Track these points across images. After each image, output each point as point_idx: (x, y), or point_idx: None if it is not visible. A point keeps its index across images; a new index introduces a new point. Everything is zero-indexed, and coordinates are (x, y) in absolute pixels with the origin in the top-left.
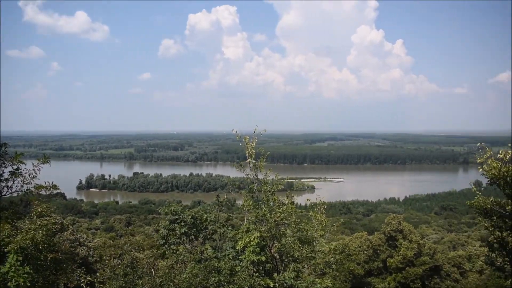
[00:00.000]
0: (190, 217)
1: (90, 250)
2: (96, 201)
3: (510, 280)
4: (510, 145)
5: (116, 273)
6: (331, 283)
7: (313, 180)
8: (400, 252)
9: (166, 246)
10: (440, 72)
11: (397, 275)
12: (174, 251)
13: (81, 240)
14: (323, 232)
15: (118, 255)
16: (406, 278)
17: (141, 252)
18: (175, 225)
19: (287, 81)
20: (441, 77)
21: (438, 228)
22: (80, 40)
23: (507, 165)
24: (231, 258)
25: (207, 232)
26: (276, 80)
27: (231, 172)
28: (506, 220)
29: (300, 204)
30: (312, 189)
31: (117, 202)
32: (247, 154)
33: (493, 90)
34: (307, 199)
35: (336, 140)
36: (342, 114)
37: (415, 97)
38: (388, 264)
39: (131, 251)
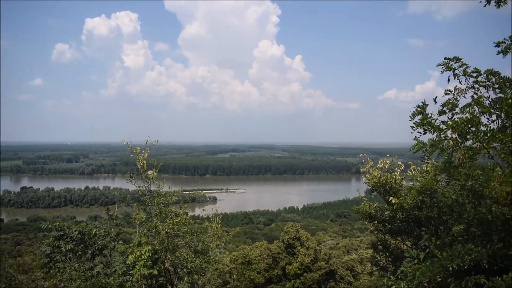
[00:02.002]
0: (77, 232)
1: None
2: None
3: (386, 278)
4: (388, 155)
5: None
6: None
7: (215, 191)
8: (298, 259)
9: (51, 264)
10: (335, 88)
11: (296, 281)
12: (59, 270)
13: None
14: (219, 242)
15: None
16: (304, 284)
17: (29, 273)
18: (60, 241)
19: (190, 92)
20: (336, 92)
21: (334, 234)
22: None
23: (386, 174)
24: (120, 273)
25: (96, 248)
26: (179, 91)
27: (130, 185)
28: (386, 224)
29: (203, 216)
30: (214, 200)
31: (2, 220)
32: (138, 166)
33: (382, 105)
34: (203, 209)
35: (238, 152)
36: (244, 126)
37: (312, 111)
38: (287, 271)
39: (10, 273)
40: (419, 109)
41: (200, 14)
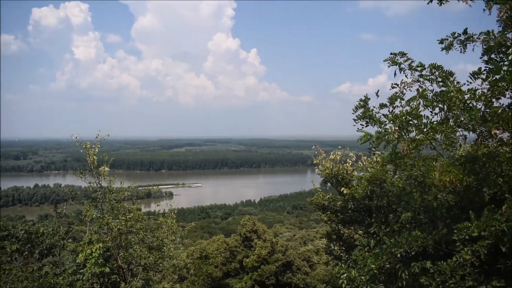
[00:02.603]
0: (23, 231)
1: None
2: None
3: (338, 267)
4: (340, 147)
5: None
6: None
7: (171, 186)
8: (255, 251)
9: None
10: (291, 81)
11: (253, 273)
12: (5, 272)
13: None
14: (174, 238)
15: None
16: (262, 276)
17: None
18: (5, 242)
19: (143, 85)
20: (292, 85)
21: (291, 226)
22: None
23: (338, 165)
24: (70, 272)
25: (44, 247)
26: (132, 84)
27: (82, 182)
28: (338, 214)
29: (158, 211)
30: (170, 195)
31: None
32: (88, 161)
33: (335, 99)
34: (157, 205)
35: (194, 146)
36: (199, 119)
37: (268, 104)
38: (244, 264)
39: None
40: (361, 103)
41: (153, 6)
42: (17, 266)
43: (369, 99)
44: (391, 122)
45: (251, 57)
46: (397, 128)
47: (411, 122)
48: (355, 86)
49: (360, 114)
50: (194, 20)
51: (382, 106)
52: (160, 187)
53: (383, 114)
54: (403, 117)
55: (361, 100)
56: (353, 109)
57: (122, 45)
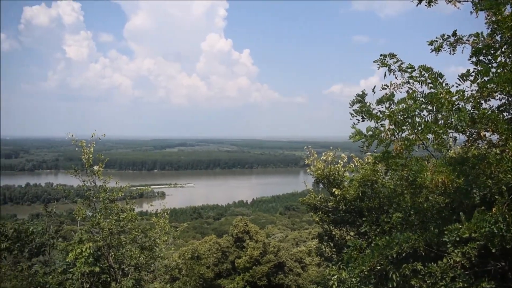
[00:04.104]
0: (12, 230)
1: None
2: None
3: (329, 268)
4: (331, 148)
5: None
6: None
7: (163, 186)
8: (247, 252)
9: None
10: (283, 82)
11: (245, 274)
12: None
13: None
14: (166, 238)
15: None
16: (253, 277)
17: None
18: None
19: (135, 85)
20: (284, 86)
21: (283, 227)
22: None
23: (329, 166)
24: (60, 271)
25: (34, 246)
26: (124, 84)
27: (74, 181)
28: (330, 214)
29: (151, 211)
30: (162, 195)
31: None
32: (83, 160)
33: (327, 100)
34: (151, 205)
35: (186, 146)
36: (191, 120)
37: (260, 105)
38: (236, 264)
39: None
40: (358, 98)
41: (145, 5)
42: (6, 265)
43: (366, 94)
44: (388, 118)
45: (244, 58)
46: (392, 126)
47: (406, 120)
48: (346, 88)
49: (357, 109)
50: (186, 20)
51: (379, 102)
52: (152, 187)
53: (379, 111)
54: (399, 114)
55: (358, 95)
56: (349, 103)
57: (115, 44)
